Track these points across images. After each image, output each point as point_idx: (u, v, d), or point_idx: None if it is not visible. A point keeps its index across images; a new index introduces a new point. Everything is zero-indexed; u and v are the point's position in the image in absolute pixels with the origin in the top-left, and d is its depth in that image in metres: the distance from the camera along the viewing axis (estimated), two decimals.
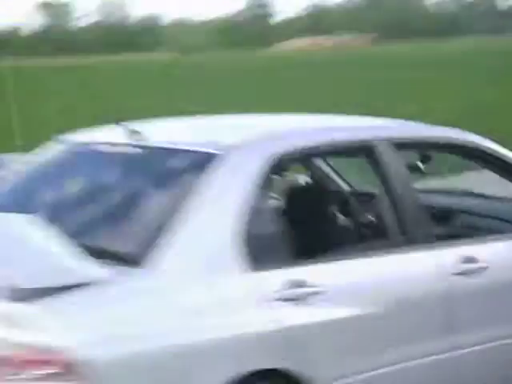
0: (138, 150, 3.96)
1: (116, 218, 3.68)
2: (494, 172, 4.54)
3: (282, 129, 4.22)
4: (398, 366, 3.85)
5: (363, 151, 4.13)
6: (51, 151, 4.39)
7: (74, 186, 4.11)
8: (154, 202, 3.69)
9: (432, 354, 3.97)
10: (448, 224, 4.75)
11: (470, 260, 4.10)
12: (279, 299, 3.50)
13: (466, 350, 4.09)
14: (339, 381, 3.67)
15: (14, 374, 3.06)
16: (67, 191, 4.10)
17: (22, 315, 3.09)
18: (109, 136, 4.23)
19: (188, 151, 3.84)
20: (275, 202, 4.73)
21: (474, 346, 4.10)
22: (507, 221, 4.65)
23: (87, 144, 4.26)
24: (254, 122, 4.66)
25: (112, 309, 3.19)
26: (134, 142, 3.98)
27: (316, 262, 3.70)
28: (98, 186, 3.97)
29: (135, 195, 3.75)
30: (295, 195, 4.61)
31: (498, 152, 4.46)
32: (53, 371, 3.04)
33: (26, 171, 4.33)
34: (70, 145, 4.34)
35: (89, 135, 4.42)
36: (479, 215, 4.84)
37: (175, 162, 3.84)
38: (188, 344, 3.27)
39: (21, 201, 4.09)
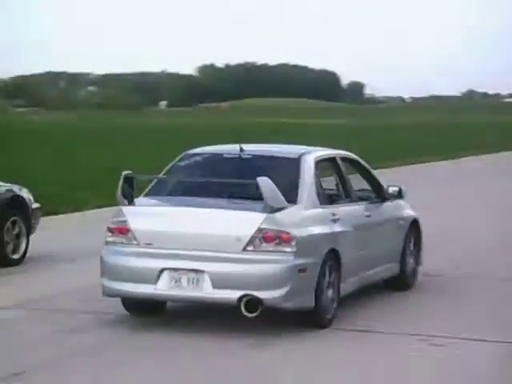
0: (248, 156, 9.32)
1: (278, 185, 8.39)
2: (361, 174, 10.62)
3: (311, 148, 10.00)
4: (362, 252, 9.65)
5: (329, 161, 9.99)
6: (194, 159, 9.71)
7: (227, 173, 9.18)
8: (285, 178, 8.91)
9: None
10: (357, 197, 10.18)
11: (367, 209, 10.05)
12: (330, 219, 9.08)
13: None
14: (352, 253, 9.34)
15: (263, 245, 8.24)
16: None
17: (272, 217, 8.31)
18: (229, 150, 9.62)
19: (282, 157, 9.46)
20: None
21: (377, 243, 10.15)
22: (367, 199, 10.32)
23: (220, 153, 9.69)
24: (293, 147, 10.35)
25: (297, 214, 8.62)
26: (247, 152, 9.38)
27: (337, 205, 9.51)
28: (231, 169, 9.31)
29: (272, 176, 8.47)
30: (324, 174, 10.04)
31: (362, 163, 10.56)
32: (281, 242, 8.25)
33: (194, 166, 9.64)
34: (208, 154, 9.82)
35: (214, 148, 10.02)
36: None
37: (278, 162, 9.35)
38: (314, 233, 8.67)
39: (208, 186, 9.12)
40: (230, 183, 8.88)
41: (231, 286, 8.26)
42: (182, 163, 9.60)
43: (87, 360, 7.69)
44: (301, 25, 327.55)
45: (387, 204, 10.47)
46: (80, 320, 9.02)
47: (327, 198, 9.40)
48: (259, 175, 8.36)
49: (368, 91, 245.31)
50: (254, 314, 8.25)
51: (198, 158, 9.70)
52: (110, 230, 8.82)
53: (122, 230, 8.68)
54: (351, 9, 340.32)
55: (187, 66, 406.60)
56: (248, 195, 8.64)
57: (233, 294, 8.23)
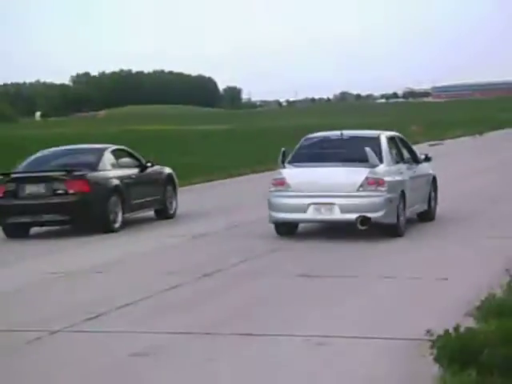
0: (347, 137, 15.67)
1: (356, 155, 14.79)
2: (405, 147, 17.12)
3: (380, 131, 16.34)
4: (412, 193, 15.58)
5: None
6: (312, 140, 16.05)
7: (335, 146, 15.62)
8: (373, 149, 14.72)
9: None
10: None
11: (413, 168, 16.46)
12: (399, 172, 15.53)
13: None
14: (409, 193, 15.45)
15: (369, 187, 14.55)
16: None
17: (373, 171, 14.69)
18: (333, 134, 16.15)
19: (368, 136, 15.87)
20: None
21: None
22: (411, 161, 16.63)
23: (323, 136, 16.25)
24: (370, 130, 17.66)
25: (384, 169, 14.87)
26: (344, 134, 15.74)
27: (400, 164, 15.95)
28: (338, 144, 15.58)
29: (358, 148, 14.75)
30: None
31: (406, 140, 17.20)
32: (378, 185, 14.49)
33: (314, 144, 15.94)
34: (321, 136, 16.26)
35: (320, 135, 16.42)
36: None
37: (366, 140, 15.48)
38: (394, 180, 15.07)
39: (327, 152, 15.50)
40: (340, 152, 15.39)
41: (351, 211, 14.54)
42: (306, 143, 15.91)
43: None
44: (175, 31, 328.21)
45: (420, 165, 16.80)
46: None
47: (395, 160, 15.69)
48: (356, 149, 15.03)
49: (245, 96, 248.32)
50: (365, 227, 14.51)
51: (315, 139, 16.11)
52: (273, 183, 15.19)
53: (282, 183, 15.07)
54: (226, 13, 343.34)
55: (62, 76, 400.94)
56: (353, 159, 14.99)
57: (353, 216, 14.52)
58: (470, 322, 8.42)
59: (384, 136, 15.72)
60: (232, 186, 27.79)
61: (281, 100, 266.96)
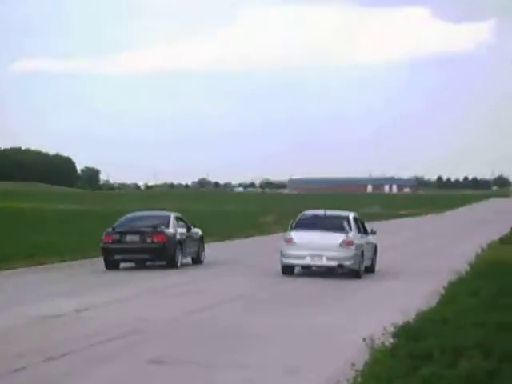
0: (329, 215, 24.71)
1: (336, 226, 23.96)
2: (362, 224, 26.26)
3: (349, 212, 26.13)
4: (365, 253, 24.36)
5: None
6: (307, 215, 25.24)
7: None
8: (342, 223, 24.02)
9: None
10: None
11: (366, 236, 25.34)
12: (361, 238, 24.63)
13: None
14: (365, 252, 24.46)
15: (345, 245, 23.61)
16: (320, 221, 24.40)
17: (347, 235, 23.85)
18: (318, 212, 25.16)
19: (341, 215, 25.04)
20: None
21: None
22: (365, 232, 25.64)
23: (314, 213, 25.33)
24: (343, 211, 26.94)
25: (353, 235, 23.90)
26: (327, 213, 24.66)
27: (361, 234, 25.00)
28: (324, 219, 24.44)
29: (336, 221, 24.21)
30: None
31: (360, 220, 26.32)
32: (351, 244, 23.52)
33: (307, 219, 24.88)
34: (311, 213, 25.40)
35: (312, 212, 25.65)
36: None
37: (341, 216, 24.81)
38: (359, 243, 24.19)
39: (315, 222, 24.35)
40: (326, 223, 24.08)
41: (334, 260, 23.29)
42: (303, 216, 24.69)
43: None
44: (33, 111, 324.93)
45: (369, 236, 25.45)
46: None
47: (357, 230, 24.25)
48: (335, 222, 23.99)
49: (103, 178, 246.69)
50: (342, 271, 23.63)
51: (309, 215, 24.91)
52: (284, 240, 23.99)
53: (290, 240, 23.74)
54: (82, 97, 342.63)
55: None
56: (334, 228, 23.69)
57: (334, 263, 23.41)
58: None
59: (351, 215, 24.90)
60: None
61: (139, 184, 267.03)
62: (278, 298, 19.72)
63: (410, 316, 14.61)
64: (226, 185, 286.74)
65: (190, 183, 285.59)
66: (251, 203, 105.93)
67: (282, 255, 23.76)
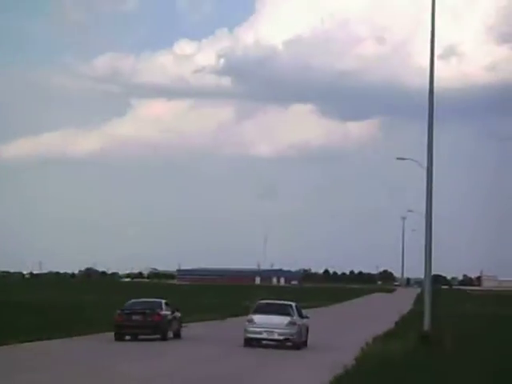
0: (279, 303, 35.83)
1: (283, 311, 33.63)
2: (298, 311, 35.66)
3: (293, 302, 36.03)
4: (303, 332, 34.45)
5: None
6: (262, 303, 35.07)
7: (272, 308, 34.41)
8: (288, 309, 33.85)
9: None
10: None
11: (303, 319, 34.36)
12: (301, 320, 34.68)
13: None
14: (304, 331, 35.16)
15: (289, 325, 33.03)
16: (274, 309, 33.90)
17: (292, 318, 33.01)
18: (270, 301, 37.36)
19: (287, 304, 34.89)
20: None
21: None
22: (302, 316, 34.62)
23: (267, 302, 36.21)
24: (288, 302, 36.35)
25: (296, 318, 33.77)
26: (276, 302, 36.87)
27: (300, 317, 34.51)
28: (274, 305, 34.98)
29: (284, 307, 34.21)
30: None
31: (299, 307, 35.77)
32: (295, 325, 33.19)
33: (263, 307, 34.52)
34: (265, 302, 35.97)
35: (265, 301, 36.57)
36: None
37: (287, 304, 34.74)
38: (300, 323, 34.33)
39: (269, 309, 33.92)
40: (276, 308, 33.68)
41: (283, 335, 32.44)
42: (260, 304, 34.32)
43: None
44: None
45: (304, 319, 34.14)
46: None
47: (297, 314, 33.33)
48: (283, 308, 33.65)
49: None
50: (288, 344, 32.55)
51: (262, 302, 34.99)
52: (247, 320, 32.97)
53: (251, 320, 32.67)
54: None
55: None
56: (282, 312, 32.87)
57: (282, 337, 32.47)
58: None
59: (294, 304, 34.37)
60: None
61: (24, 272, 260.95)
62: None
63: None
64: (114, 274, 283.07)
65: (76, 272, 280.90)
66: (141, 294, 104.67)
67: (246, 331, 32.97)
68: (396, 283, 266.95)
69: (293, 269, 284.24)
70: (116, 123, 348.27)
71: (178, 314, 36.69)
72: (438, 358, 26.08)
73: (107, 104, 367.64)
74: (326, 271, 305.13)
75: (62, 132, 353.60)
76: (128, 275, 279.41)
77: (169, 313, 35.42)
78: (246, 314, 60.48)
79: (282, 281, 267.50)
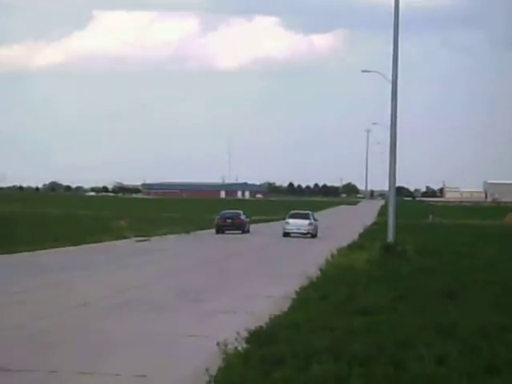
0: (302, 212, 58.71)
1: (305, 216, 56.14)
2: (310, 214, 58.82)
3: (309, 210, 61.35)
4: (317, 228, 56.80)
5: None
6: (292, 212, 57.63)
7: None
8: (308, 215, 56.71)
9: None
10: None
11: (316, 221, 57.64)
12: (315, 221, 57.23)
13: None
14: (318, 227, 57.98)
15: (310, 225, 55.05)
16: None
17: (311, 221, 54.91)
18: (296, 211, 59.59)
19: (306, 212, 58.05)
20: None
21: None
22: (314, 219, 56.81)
23: (295, 211, 58.97)
24: (307, 211, 60.78)
25: (313, 220, 55.54)
26: (300, 211, 59.83)
27: (314, 220, 57.06)
28: (300, 214, 57.75)
29: (305, 214, 56.61)
30: None
31: (311, 213, 58.32)
32: (312, 224, 54.56)
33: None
34: (293, 211, 58.49)
35: (293, 211, 59.11)
36: None
37: (307, 213, 57.45)
38: (315, 223, 56.34)
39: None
40: (301, 215, 56.28)
41: (305, 230, 53.53)
42: (291, 212, 56.57)
43: None
44: None
45: (317, 221, 56.08)
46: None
47: (313, 218, 55.43)
48: (305, 215, 56.08)
49: None
50: (308, 235, 53.13)
51: (293, 212, 57.19)
52: (285, 222, 54.80)
53: (287, 222, 54.47)
54: None
55: None
56: (305, 217, 55.18)
57: (305, 231, 53.59)
58: None
59: (311, 212, 56.85)
60: None
61: None
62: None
63: (263, 321, 14.85)
64: (78, 188, 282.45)
65: (40, 186, 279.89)
66: (104, 207, 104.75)
67: (284, 228, 54.05)
68: (360, 196, 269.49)
69: (257, 182, 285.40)
70: (77, 36, 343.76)
71: (248, 219, 59.40)
72: (399, 266, 26.44)
73: (68, 16, 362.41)
74: (291, 184, 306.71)
75: (23, 45, 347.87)
76: (93, 189, 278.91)
77: (244, 218, 58.40)
78: (210, 227, 61.08)
79: (247, 194, 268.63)
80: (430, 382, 10.43)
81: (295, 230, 52.98)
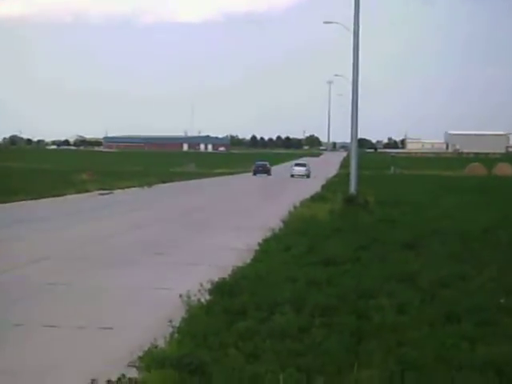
0: (302, 161, 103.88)
1: (303, 165, 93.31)
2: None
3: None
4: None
5: None
6: (294, 163, 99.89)
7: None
8: (305, 164, 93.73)
9: None
10: None
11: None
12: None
13: None
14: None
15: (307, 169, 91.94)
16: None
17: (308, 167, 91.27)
18: (297, 161, 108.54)
19: (304, 162, 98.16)
20: None
21: None
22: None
23: (296, 162, 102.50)
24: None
25: (308, 167, 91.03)
26: (299, 161, 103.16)
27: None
28: (299, 164, 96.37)
29: (303, 163, 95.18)
30: None
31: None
32: (307, 170, 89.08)
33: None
34: (295, 161, 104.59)
35: (295, 161, 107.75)
36: None
37: (304, 162, 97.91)
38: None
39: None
40: (300, 164, 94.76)
41: (304, 173, 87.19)
42: (294, 163, 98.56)
43: None
44: None
45: (309, 167, 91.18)
46: None
47: (308, 166, 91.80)
48: (303, 164, 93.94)
49: None
50: (305, 177, 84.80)
51: (296, 162, 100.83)
52: (291, 168, 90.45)
53: (293, 169, 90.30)
54: None
55: None
56: (302, 166, 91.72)
57: (304, 174, 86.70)
58: (133, 372, 8.54)
59: (307, 162, 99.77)
60: None
61: None
62: None
63: (226, 273, 14.91)
64: (40, 142, 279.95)
65: (0, 140, 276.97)
66: (66, 161, 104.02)
67: (291, 172, 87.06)
68: (322, 148, 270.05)
69: (220, 135, 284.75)
70: None
71: (270, 166, 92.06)
72: (362, 218, 26.63)
73: None
74: (254, 137, 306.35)
75: None
76: (54, 143, 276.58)
77: (268, 165, 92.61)
78: (173, 180, 60.88)
79: (210, 147, 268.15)
80: (392, 330, 10.57)
81: (297, 173, 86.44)
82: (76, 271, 17.01)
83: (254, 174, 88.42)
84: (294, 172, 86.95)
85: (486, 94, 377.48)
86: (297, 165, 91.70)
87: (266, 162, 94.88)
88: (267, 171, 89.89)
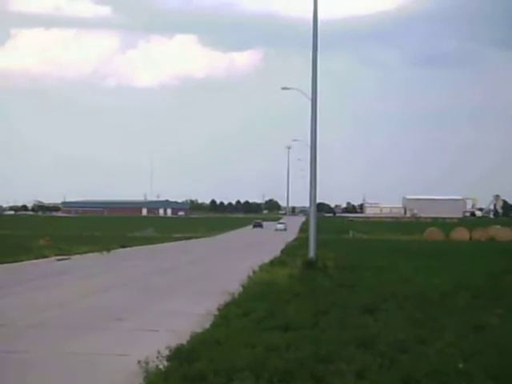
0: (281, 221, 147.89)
1: (282, 222, 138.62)
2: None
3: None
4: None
5: None
6: (279, 221, 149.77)
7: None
8: (284, 222, 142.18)
9: None
10: None
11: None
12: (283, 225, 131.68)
13: None
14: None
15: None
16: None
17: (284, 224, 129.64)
18: (281, 220, 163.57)
19: (283, 221, 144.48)
20: None
21: None
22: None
23: (280, 221, 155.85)
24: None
25: (286, 224, 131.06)
26: (281, 220, 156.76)
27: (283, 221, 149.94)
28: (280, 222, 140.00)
29: (282, 221, 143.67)
30: None
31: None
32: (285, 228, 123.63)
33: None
34: (279, 220, 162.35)
35: (280, 220, 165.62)
36: None
37: (283, 221, 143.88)
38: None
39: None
40: (281, 222, 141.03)
41: (283, 229, 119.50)
42: (278, 221, 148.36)
43: None
44: None
45: (286, 225, 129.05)
46: None
47: (284, 223, 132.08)
48: (283, 222, 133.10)
49: None
50: (284, 231, 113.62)
51: (279, 221, 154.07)
52: (276, 224, 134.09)
53: (276, 225, 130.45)
54: None
55: None
56: (283, 223, 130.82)
57: (283, 229, 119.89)
58: None
59: (285, 221, 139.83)
60: None
61: None
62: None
63: (185, 338, 14.80)
64: None
65: None
66: (24, 227, 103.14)
67: (275, 227, 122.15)
68: (281, 212, 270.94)
69: (179, 200, 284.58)
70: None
71: (263, 224, 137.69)
72: (321, 282, 26.66)
73: None
74: (213, 201, 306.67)
75: None
76: (11, 208, 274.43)
77: (261, 222, 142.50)
78: (132, 245, 60.75)
79: (169, 212, 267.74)
80: None
81: (279, 228, 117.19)
82: (31, 339, 16.75)
83: (254, 227, 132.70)
84: (278, 227, 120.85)
85: (444, 159, 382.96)
86: (279, 223, 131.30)
87: (260, 221, 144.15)
88: (261, 225, 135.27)
